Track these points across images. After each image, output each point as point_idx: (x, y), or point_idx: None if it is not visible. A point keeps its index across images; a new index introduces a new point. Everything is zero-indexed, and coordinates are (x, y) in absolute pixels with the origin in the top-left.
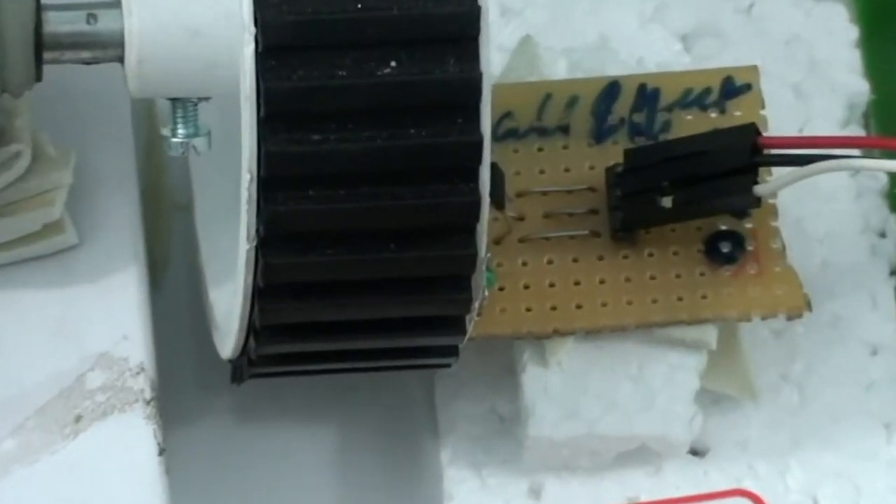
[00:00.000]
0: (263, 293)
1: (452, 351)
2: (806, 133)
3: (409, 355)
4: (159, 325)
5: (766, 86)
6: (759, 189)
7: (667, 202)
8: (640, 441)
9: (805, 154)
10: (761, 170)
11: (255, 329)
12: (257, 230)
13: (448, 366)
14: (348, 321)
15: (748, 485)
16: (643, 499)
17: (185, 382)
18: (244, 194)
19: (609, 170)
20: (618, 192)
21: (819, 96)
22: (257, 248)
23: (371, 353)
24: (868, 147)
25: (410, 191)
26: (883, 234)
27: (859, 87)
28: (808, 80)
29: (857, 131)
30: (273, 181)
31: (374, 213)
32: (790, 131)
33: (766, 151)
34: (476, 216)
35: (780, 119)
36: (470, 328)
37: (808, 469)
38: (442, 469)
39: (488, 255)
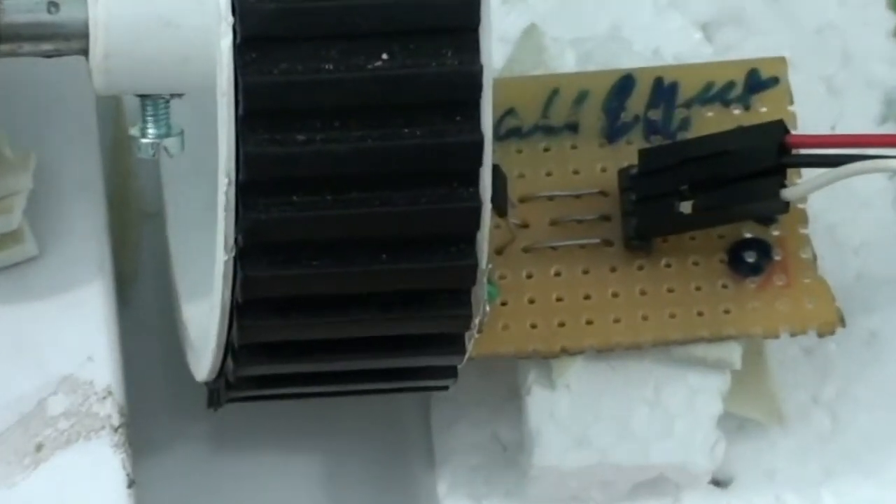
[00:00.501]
0: (243, 309)
1: (450, 372)
2: (839, 131)
3: (403, 377)
4: (128, 345)
5: (796, 79)
6: (787, 193)
7: (686, 207)
8: (658, 471)
9: (838, 154)
10: (790, 172)
11: (234, 348)
12: (236, 240)
13: (445, 388)
14: (336, 340)
15: None
16: None
17: (156, 408)
18: (221, 200)
19: (622, 172)
20: (632, 196)
21: (853, 91)
22: (236, 260)
23: (361, 375)
24: None
25: (404, 196)
26: None
27: None
28: (841, 74)
29: (895, 129)
30: (253, 186)
31: (365, 221)
32: (822, 129)
33: (794, 151)
34: (476, 223)
35: (811, 116)
36: (469, 347)
37: (842, 500)
38: (439, 501)
39: (489, 266)
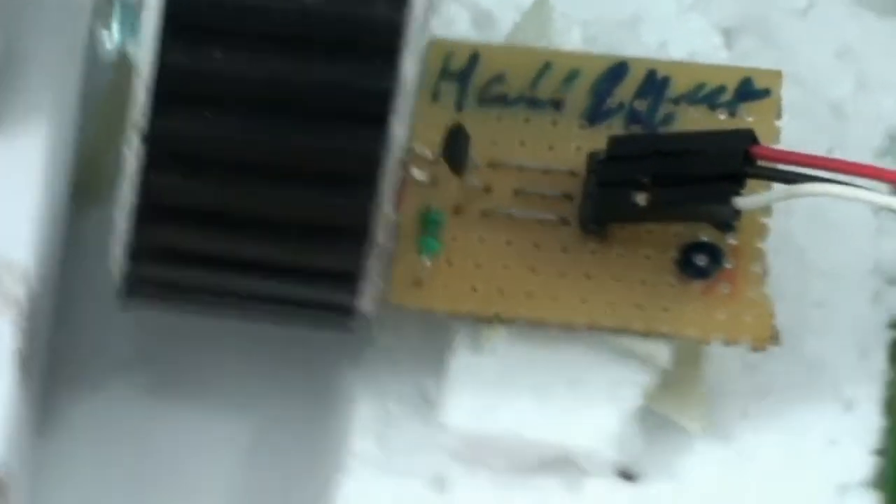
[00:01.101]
0: (141, 212)
1: (350, 312)
2: (835, 156)
3: (300, 306)
4: (79, 271)
5: (804, 99)
6: (739, 201)
7: (641, 199)
8: (565, 451)
9: (797, 172)
10: (756, 183)
11: (132, 250)
12: (145, 145)
13: (352, 331)
14: (228, 257)
15: None
16: None
17: (92, 353)
18: (138, 105)
19: (592, 155)
20: (595, 180)
21: (859, 119)
22: (141, 163)
23: (257, 297)
24: (866, 175)
25: (312, 129)
26: (893, 282)
27: None
28: (850, 100)
29: (891, 164)
30: (166, 95)
31: (270, 147)
32: (818, 151)
33: (759, 163)
34: (377, 166)
35: (810, 136)
36: (369, 292)
37: None
38: (347, 439)
39: (399, 215)
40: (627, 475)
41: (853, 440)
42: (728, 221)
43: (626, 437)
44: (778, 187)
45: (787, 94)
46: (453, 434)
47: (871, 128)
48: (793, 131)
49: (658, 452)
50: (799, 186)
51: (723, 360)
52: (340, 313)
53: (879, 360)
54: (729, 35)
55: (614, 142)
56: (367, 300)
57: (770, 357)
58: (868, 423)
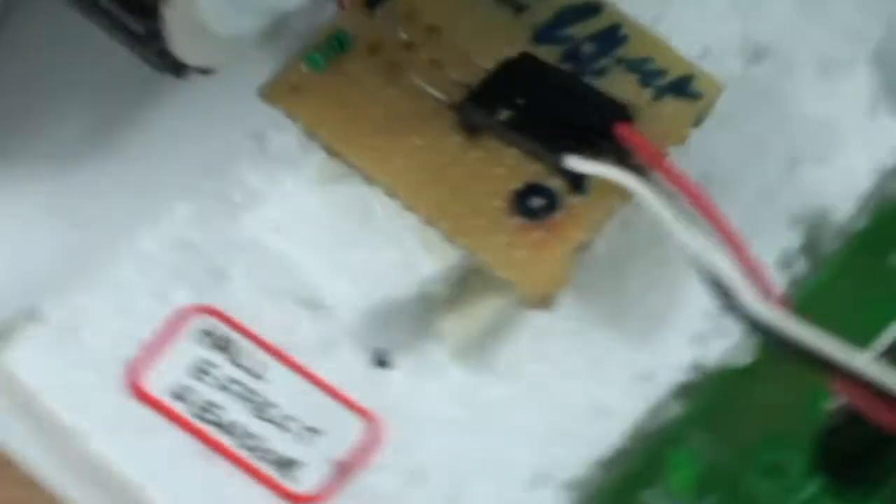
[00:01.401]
0: None
1: (157, 49)
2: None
3: (112, 24)
4: None
5: (774, 142)
6: (568, 158)
7: (503, 115)
8: (324, 301)
9: (638, 167)
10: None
11: None
12: None
13: (169, 72)
14: None
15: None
16: (294, 357)
17: None
18: None
19: (505, 61)
20: (485, 80)
21: (799, 188)
22: None
23: None
24: (698, 208)
25: None
26: (721, 335)
27: (841, 212)
28: (808, 169)
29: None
30: None
31: None
32: (745, 190)
33: (617, 140)
34: None
35: (750, 172)
36: (181, 39)
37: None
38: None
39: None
40: (381, 361)
41: (581, 443)
42: (578, 180)
43: (383, 318)
44: (610, 168)
45: (764, 129)
46: (245, 238)
47: (799, 200)
48: (739, 157)
49: (414, 352)
50: (617, 172)
51: (532, 316)
52: (150, 50)
53: (657, 393)
54: (759, 52)
55: (522, 57)
56: (178, 45)
57: (565, 331)
58: (607, 436)
